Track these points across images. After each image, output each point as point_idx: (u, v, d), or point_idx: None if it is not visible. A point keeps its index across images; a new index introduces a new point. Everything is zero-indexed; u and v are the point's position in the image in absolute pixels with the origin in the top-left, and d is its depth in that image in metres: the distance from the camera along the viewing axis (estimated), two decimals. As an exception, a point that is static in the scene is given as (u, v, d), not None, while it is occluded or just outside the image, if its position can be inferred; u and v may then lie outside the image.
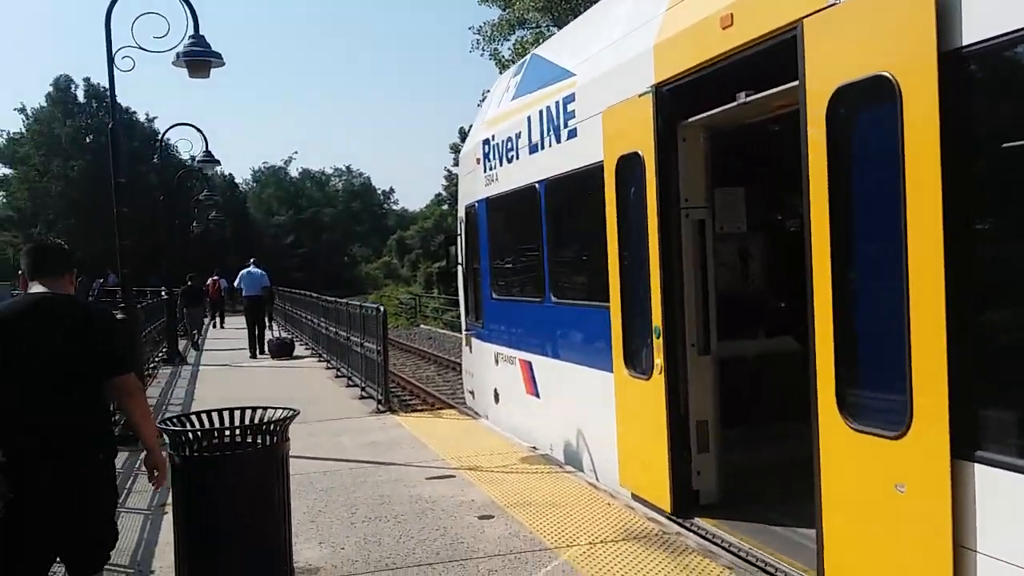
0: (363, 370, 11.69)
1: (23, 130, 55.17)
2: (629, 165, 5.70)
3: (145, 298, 25.21)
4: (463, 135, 67.13)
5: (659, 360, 5.36)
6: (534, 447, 7.85)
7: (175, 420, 4.46)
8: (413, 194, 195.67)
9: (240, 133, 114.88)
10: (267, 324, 20.88)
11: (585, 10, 29.86)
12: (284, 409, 4.55)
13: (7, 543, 3.53)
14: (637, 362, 5.74)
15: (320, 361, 16.62)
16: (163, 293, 20.00)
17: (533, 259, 8.05)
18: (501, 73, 35.37)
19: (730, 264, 6.24)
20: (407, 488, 6.59)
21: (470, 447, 7.98)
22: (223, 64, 8.75)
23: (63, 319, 3.73)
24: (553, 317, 7.55)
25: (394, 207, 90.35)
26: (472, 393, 10.54)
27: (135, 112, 53.56)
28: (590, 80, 6.47)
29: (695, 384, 5.37)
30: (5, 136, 56.70)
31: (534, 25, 34.79)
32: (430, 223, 72.19)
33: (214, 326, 28.52)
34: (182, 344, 20.19)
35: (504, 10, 34.45)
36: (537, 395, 7.97)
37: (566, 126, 6.91)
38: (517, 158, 8.17)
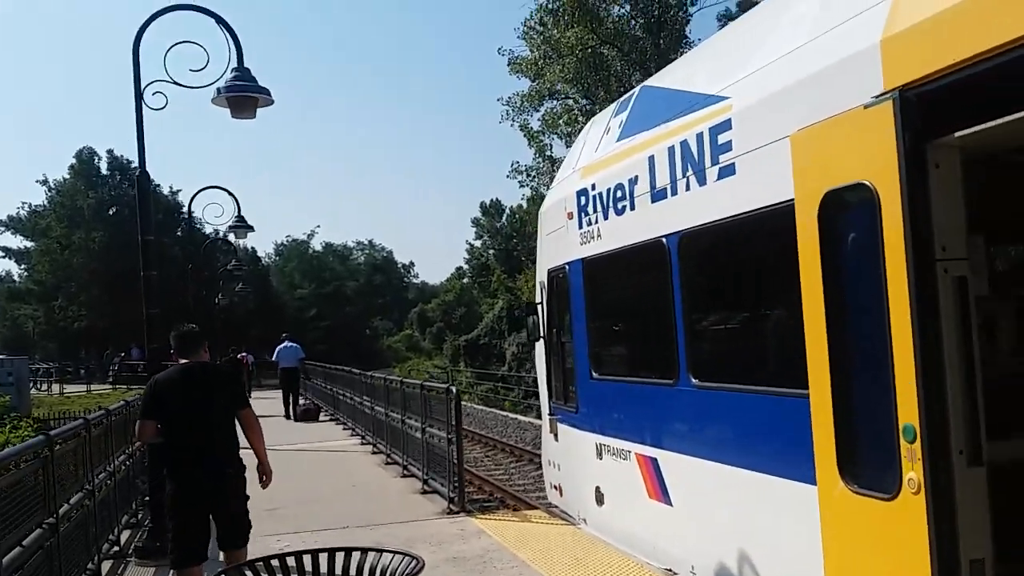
0: (425, 459, 10.12)
1: (45, 202, 54.90)
2: (846, 202, 4.24)
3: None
4: (484, 209, 67.23)
5: (914, 473, 3.79)
6: (670, 570, 6.22)
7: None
8: (434, 267, 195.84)
9: (262, 207, 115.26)
10: (299, 393, 22.92)
11: (615, 85, 29.36)
12: (399, 556, 3.05)
13: (183, 520, 5.65)
14: (866, 473, 4.17)
15: (363, 443, 15.05)
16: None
17: (658, 331, 6.56)
18: (529, 144, 35.22)
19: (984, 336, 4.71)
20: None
21: (586, 568, 6.37)
22: (271, 101, 7.43)
23: (206, 376, 5.95)
24: (692, 404, 6.00)
25: (415, 280, 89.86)
26: (559, 489, 8.92)
27: (159, 185, 53.13)
28: (758, 100, 5.06)
29: (965, 507, 3.79)
30: (27, 208, 56.47)
31: (563, 96, 34.19)
32: (451, 296, 71.35)
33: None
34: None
35: (533, 81, 33.87)
36: (667, 501, 6.36)
37: (715, 163, 5.48)
38: (631, 208, 6.74)
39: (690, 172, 5.79)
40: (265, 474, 6.06)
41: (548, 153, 34.62)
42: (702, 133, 5.63)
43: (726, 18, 29.71)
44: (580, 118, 31.82)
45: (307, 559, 3.05)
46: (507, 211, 63.35)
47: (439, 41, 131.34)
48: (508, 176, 37.50)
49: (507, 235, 62.12)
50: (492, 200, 65.18)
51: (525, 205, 54.04)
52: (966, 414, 3.83)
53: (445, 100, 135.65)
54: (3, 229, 57.55)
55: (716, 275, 5.98)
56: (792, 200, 4.61)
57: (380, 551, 3.08)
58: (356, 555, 3.07)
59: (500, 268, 50.75)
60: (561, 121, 32.85)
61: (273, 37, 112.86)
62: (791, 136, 4.57)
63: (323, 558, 3.03)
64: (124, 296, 45.67)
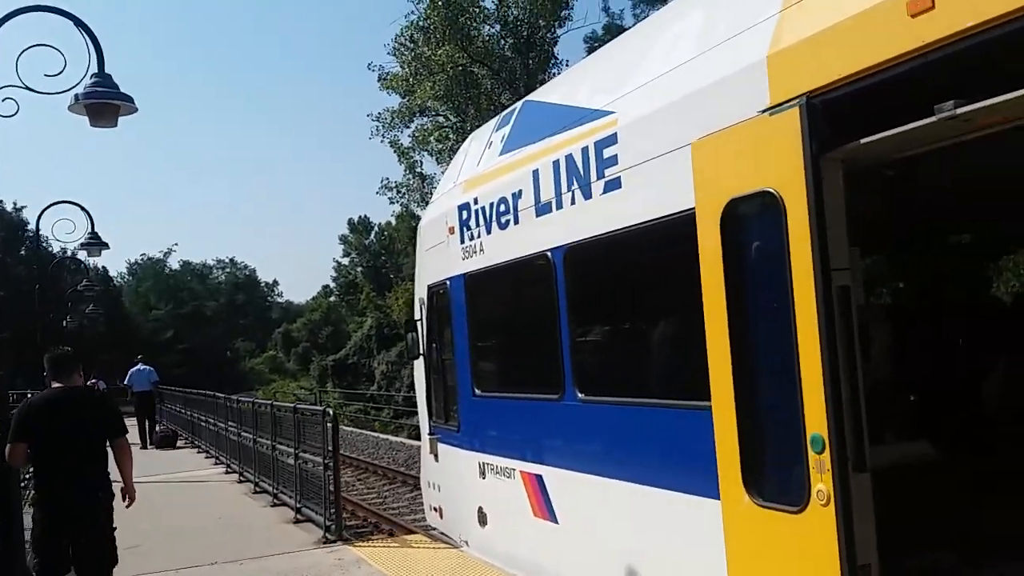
0: (297, 486, 9.67)
1: None
2: (750, 210, 4.25)
3: (13, 400, 22.10)
4: (352, 226, 66.07)
5: (823, 485, 3.82)
6: (559, 589, 6.11)
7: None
8: (299, 285, 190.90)
9: (116, 225, 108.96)
10: (155, 419, 22.17)
11: (485, 104, 29.45)
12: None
13: (45, 548, 5.68)
14: (773, 486, 4.18)
15: (228, 472, 14.31)
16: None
17: (543, 345, 6.48)
18: (400, 161, 34.92)
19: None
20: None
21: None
22: (134, 109, 6.92)
23: (81, 401, 5.99)
24: (579, 419, 5.94)
25: (279, 300, 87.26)
26: (439, 511, 8.69)
27: (1, 200, 49.54)
28: (644, 114, 5.07)
29: (858, 515, 3.85)
30: None
31: (434, 113, 34.15)
32: (317, 315, 69.76)
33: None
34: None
35: (404, 97, 33.69)
36: (553, 519, 6.26)
37: (601, 176, 5.46)
38: (516, 222, 6.66)
39: (575, 186, 5.76)
40: (129, 495, 6.19)
41: (419, 170, 34.44)
42: (587, 147, 5.60)
43: (593, 40, 30.48)
44: (451, 135, 31.85)
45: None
46: (376, 228, 62.57)
47: (309, 54, 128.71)
48: (378, 192, 36.98)
49: (375, 252, 61.31)
50: (360, 217, 64.22)
51: (394, 222, 53.53)
52: (853, 422, 3.91)
53: (313, 115, 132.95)
54: None
55: (603, 288, 5.96)
56: (681, 212, 4.62)
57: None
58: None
59: (369, 286, 50.01)
60: (432, 138, 32.78)
61: (133, 44, 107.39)
62: (692, 144, 4.53)
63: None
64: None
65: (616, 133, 5.30)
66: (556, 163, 6.00)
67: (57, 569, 5.73)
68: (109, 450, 5.98)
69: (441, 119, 34.01)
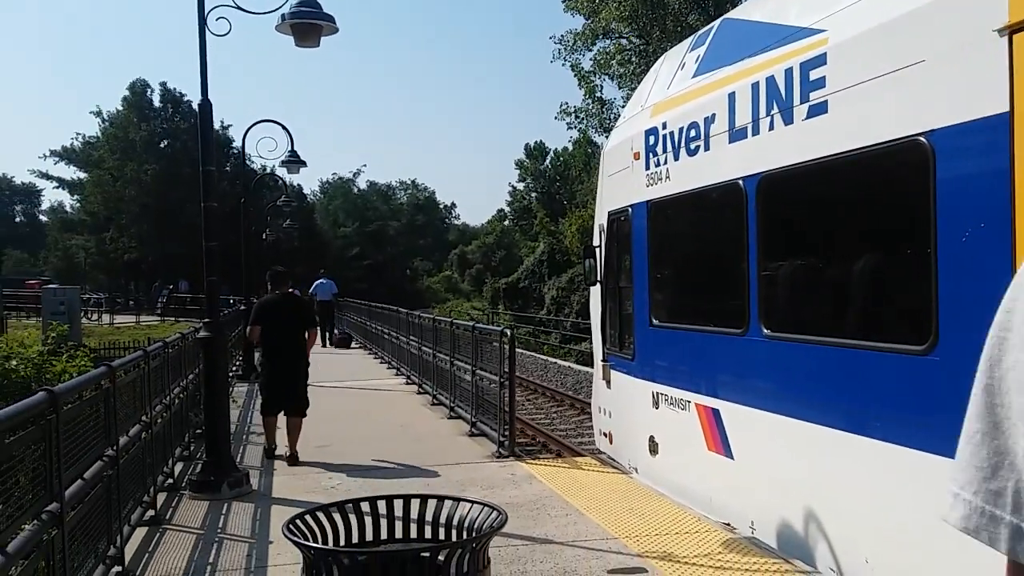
0: (473, 402, 10.01)
1: (98, 134, 55.32)
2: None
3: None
4: (528, 151, 66.30)
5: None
6: (727, 523, 6.03)
7: (317, 519, 2.80)
8: (476, 208, 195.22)
9: (310, 145, 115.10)
10: (333, 324, 25.87)
11: (671, 25, 28.14)
12: (481, 506, 2.85)
13: (269, 388, 9.10)
14: None
15: (408, 383, 15.03)
16: (235, 302, 18.74)
17: (728, 278, 6.28)
18: (580, 85, 34.40)
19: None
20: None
21: (643, 520, 6.19)
22: (335, 29, 7.15)
23: (291, 303, 9.33)
24: (763, 355, 5.73)
25: (456, 222, 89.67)
26: (608, 436, 8.76)
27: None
28: (863, 31, 4.66)
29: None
30: (81, 140, 57.02)
31: (617, 36, 33.29)
32: (491, 239, 71.12)
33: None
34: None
35: (588, 19, 33.04)
36: (728, 454, 6.14)
37: (805, 100, 5.11)
38: (706, 149, 6.40)
39: (775, 110, 5.43)
40: (306, 359, 9.33)
41: (598, 94, 33.91)
42: (791, 68, 5.25)
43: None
44: (634, 58, 31.06)
45: (382, 504, 2.88)
46: (551, 154, 62.58)
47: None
48: (556, 117, 36.82)
49: (551, 178, 61.47)
50: (536, 142, 64.40)
51: (571, 148, 53.30)
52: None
53: (495, 38, 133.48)
54: (58, 160, 58.33)
55: (800, 220, 5.65)
56: (908, 137, 4.22)
57: (459, 500, 2.90)
58: (432, 503, 2.89)
59: (543, 211, 50.28)
60: (614, 61, 32.10)
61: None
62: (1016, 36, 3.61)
63: (398, 504, 2.86)
64: (172, 231, 46.21)
65: (825, 53, 4.92)
66: (755, 86, 5.67)
67: (277, 400, 9.04)
68: None
69: (624, 42, 33.18)
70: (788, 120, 5.30)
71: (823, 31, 5.02)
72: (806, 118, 5.11)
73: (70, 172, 59.85)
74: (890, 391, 4.46)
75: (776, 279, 5.77)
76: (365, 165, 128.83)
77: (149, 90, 54.29)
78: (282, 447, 8.85)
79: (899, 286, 4.65)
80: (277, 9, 7.10)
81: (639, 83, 9.14)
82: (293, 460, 8.65)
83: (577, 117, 35.67)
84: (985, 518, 0.93)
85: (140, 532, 6.03)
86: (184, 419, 8.90)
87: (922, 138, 4.15)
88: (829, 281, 5.34)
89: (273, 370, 9.06)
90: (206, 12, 7.10)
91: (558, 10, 39.63)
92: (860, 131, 4.60)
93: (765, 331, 5.64)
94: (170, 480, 7.53)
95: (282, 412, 8.94)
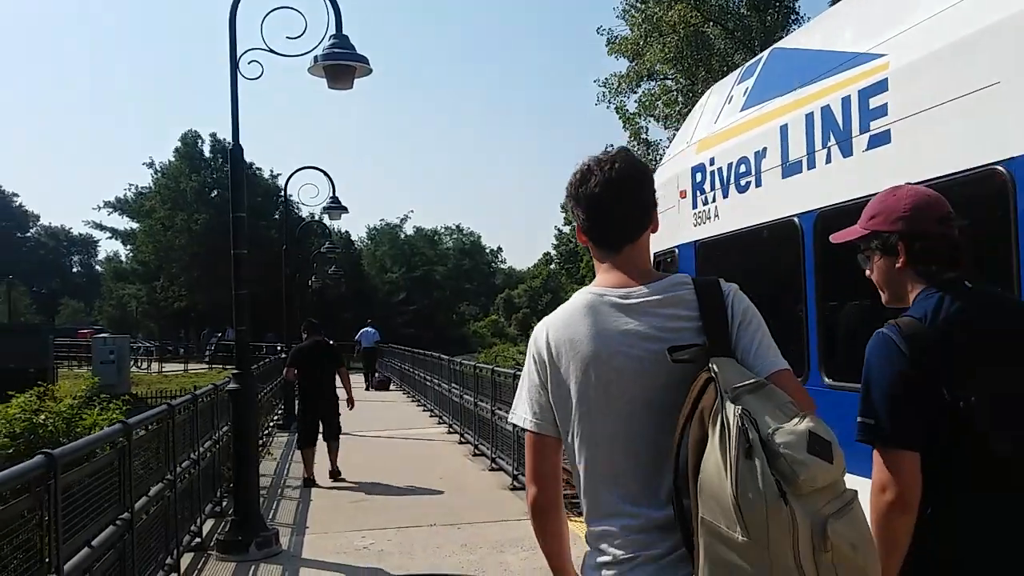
0: (515, 453, 9.60)
1: (151, 184, 56.57)
2: None
3: (261, 354, 24.17)
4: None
5: None
6: None
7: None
8: (522, 252, 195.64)
9: (356, 193, 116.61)
10: (375, 368, 27.95)
11: (717, 65, 27.98)
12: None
13: (305, 422, 10.87)
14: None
15: (450, 432, 14.66)
16: (281, 349, 18.63)
17: (785, 322, 5.81)
18: (624, 127, 34.21)
19: None
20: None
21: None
22: (369, 70, 6.95)
23: (323, 349, 11.03)
24: (823, 405, 5.24)
25: (502, 266, 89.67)
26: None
27: (259, 168, 54.12)
28: (928, 53, 4.26)
29: None
30: (134, 190, 58.35)
31: (662, 77, 33.11)
32: (538, 282, 70.86)
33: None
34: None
35: (632, 61, 32.91)
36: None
37: (865, 130, 4.71)
38: (757, 185, 5.99)
39: (832, 142, 5.03)
40: (349, 399, 11.25)
41: (643, 136, 33.65)
42: (849, 96, 4.86)
43: (837, -7, 28.16)
44: (679, 99, 30.77)
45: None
46: (597, 197, 62.30)
47: (539, 19, 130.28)
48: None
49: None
50: (584, 184, 64.13)
51: (616, 190, 52.97)
52: None
53: (539, 82, 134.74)
54: (112, 211, 59.70)
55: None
56: (970, 171, 3.82)
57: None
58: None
59: (589, 254, 49.98)
60: (659, 103, 31.84)
61: (371, 11, 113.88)
62: None
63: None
64: (222, 278, 46.69)
65: (887, 79, 4.52)
66: (809, 116, 5.27)
67: (313, 432, 10.59)
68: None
69: (670, 83, 32.96)
70: (847, 152, 4.89)
71: (883, 55, 4.63)
72: (867, 149, 4.70)
73: (123, 223, 61.22)
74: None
75: (837, 323, 5.32)
76: (412, 211, 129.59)
77: (200, 141, 55.49)
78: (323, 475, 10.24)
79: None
80: (311, 51, 6.93)
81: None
82: (334, 474, 10.39)
83: (622, 159, 35.39)
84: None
85: (161, 598, 5.71)
86: (216, 473, 8.62)
87: (1000, 167, 3.73)
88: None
89: (308, 405, 10.87)
90: (238, 56, 6.97)
91: (603, 52, 39.57)
92: (927, 161, 4.18)
93: (826, 380, 5.17)
94: (198, 539, 7.22)
95: (320, 439, 10.59)
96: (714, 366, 1.93)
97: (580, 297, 2.20)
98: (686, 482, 1.82)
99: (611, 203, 2.18)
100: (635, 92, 33.46)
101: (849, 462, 4.36)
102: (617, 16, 31.96)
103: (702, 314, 2.08)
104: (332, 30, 6.90)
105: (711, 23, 28.83)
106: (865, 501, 2.05)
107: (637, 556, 1.99)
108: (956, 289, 2.41)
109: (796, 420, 1.86)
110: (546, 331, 2.19)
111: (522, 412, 2.16)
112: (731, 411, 1.80)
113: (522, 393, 2.19)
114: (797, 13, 29.28)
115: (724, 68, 27.21)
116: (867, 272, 2.74)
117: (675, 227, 7.45)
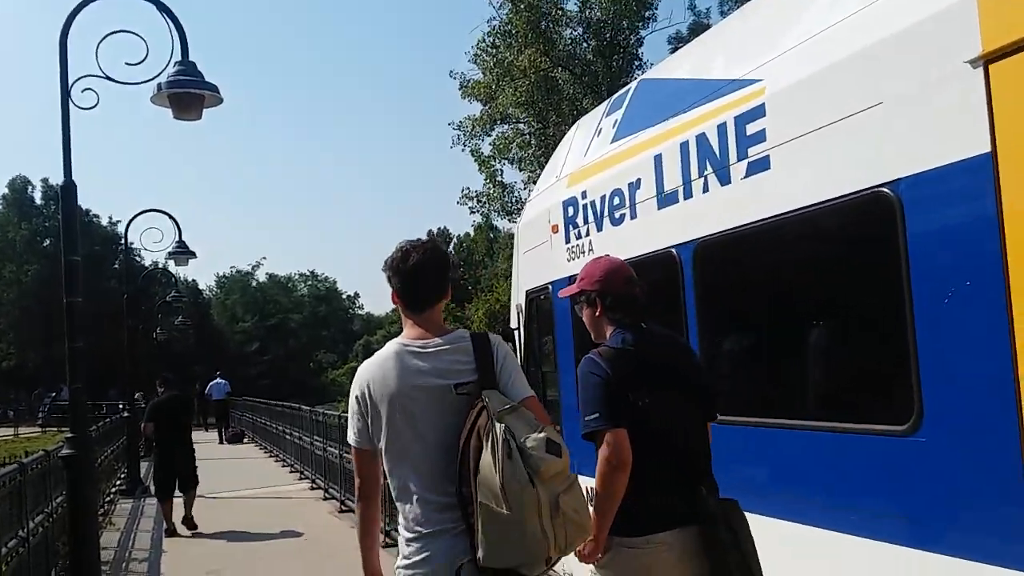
0: (386, 507, 9.03)
1: (-26, 235, 52.27)
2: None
3: (101, 413, 22.45)
4: (432, 237, 65.71)
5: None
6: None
7: None
8: (379, 297, 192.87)
9: (205, 239, 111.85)
10: (228, 421, 27.78)
11: (567, 108, 28.59)
12: None
13: (162, 473, 11.21)
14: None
15: (313, 488, 13.86)
16: (123, 408, 17.23)
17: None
18: (480, 170, 34.45)
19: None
20: None
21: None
22: (219, 100, 6.43)
23: (179, 401, 11.98)
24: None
25: (359, 311, 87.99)
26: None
27: (96, 214, 51.05)
28: (807, 75, 4.24)
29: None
30: (-46, 243, 53.70)
31: (515, 120, 33.59)
32: (396, 327, 69.76)
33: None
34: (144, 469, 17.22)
35: (485, 105, 33.23)
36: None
37: (743, 157, 4.66)
38: (632, 217, 5.90)
39: (709, 170, 4.96)
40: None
41: (499, 178, 33.91)
42: (725, 123, 4.81)
43: (677, 40, 29.49)
44: (532, 141, 31.24)
45: None
46: (454, 239, 62.43)
47: (387, 63, 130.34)
48: (458, 202, 36.54)
49: (455, 265, 61.14)
50: (440, 228, 64.17)
51: (472, 233, 53.24)
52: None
53: (393, 126, 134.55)
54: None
55: (746, 289, 5.11)
56: (853, 195, 3.78)
57: None
58: None
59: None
60: (513, 145, 32.22)
61: (217, 46, 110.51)
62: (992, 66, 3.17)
63: None
64: (56, 333, 43.46)
65: (764, 104, 4.49)
66: (684, 145, 5.21)
67: (170, 483, 10.87)
68: None
69: (522, 126, 33.43)
70: (725, 180, 4.83)
71: (758, 80, 4.60)
72: (745, 176, 4.65)
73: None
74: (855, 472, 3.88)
75: (718, 356, 5.23)
76: (264, 258, 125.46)
77: (31, 187, 51.92)
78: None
79: (871, 354, 4.12)
80: (154, 78, 6.35)
81: (540, 166, 8.76)
82: (188, 522, 10.64)
83: (479, 201, 35.48)
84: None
85: None
86: (50, 550, 7.63)
87: (886, 189, 3.70)
88: (779, 356, 4.81)
89: (164, 459, 11.15)
90: (70, 84, 6.30)
91: (456, 97, 39.77)
92: (810, 186, 4.14)
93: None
94: (26, 631, 6.30)
95: (176, 491, 10.80)
96: (485, 397, 2.79)
97: (391, 346, 3.07)
98: (468, 476, 2.70)
99: (421, 278, 3.08)
100: (489, 135, 33.77)
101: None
102: (469, 60, 32.23)
103: (476, 359, 2.93)
104: (178, 55, 6.35)
105: (560, 68, 29.53)
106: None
107: (435, 529, 2.83)
108: (635, 329, 3.54)
109: (539, 431, 2.72)
110: (365, 372, 3.05)
111: (351, 432, 3.05)
112: (498, 428, 2.67)
113: (351, 419, 3.05)
114: (640, 59, 30.48)
115: (574, 112, 27.86)
116: (583, 317, 3.75)
117: (547, 263, 7.27)
